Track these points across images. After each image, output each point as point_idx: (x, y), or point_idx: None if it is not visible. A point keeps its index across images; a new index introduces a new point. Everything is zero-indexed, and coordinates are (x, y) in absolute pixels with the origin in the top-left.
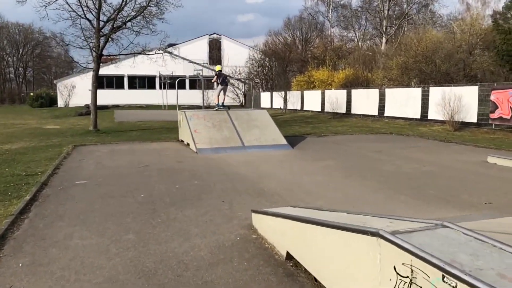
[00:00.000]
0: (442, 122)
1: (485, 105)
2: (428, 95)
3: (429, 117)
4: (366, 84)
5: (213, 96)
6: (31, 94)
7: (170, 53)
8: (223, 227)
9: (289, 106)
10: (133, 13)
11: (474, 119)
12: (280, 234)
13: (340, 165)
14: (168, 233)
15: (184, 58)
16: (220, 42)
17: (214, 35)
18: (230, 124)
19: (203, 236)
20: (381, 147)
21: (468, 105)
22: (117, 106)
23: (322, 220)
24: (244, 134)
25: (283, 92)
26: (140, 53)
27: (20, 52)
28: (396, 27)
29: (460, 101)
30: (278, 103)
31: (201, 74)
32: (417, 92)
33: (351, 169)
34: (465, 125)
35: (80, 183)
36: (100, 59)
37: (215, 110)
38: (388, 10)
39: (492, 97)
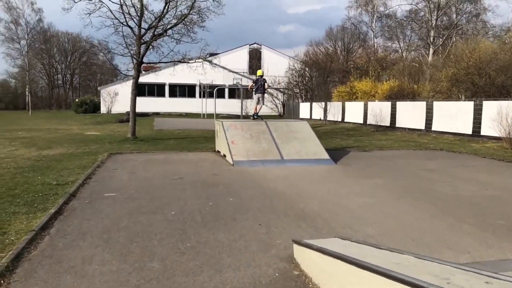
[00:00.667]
0: (497, 139)
1: None
2: (481, 110)
3: (482, 133)
4: (412, 96)
5: (252, 105)
6: (76, 100)
7: (210, 61)
8: (260, 257)
9: (329, 117)
10: (174, 21)
11: None
12: (328, 275)
13: (390, 184)
14: (197, 262)
15: (223, 67)
16: (260, 52)
17: (255, 45)
18: (268, 135)
19: (237, 268)
20: (432, 165)
21: None
22: (157, 114)
23: (387, 271)
24: (283, 147)
25: (323, 103)
26: (180, 61)
27: (68, 60)
28: (444, 38)
29: None
30: (317, 114)
31: (240, 83)
32: (468, 106)
33: (403, 189)
34: None
35: (110, 195)
36: (140, 66)
37: (251, 120)
38: (436, 19)
39: None
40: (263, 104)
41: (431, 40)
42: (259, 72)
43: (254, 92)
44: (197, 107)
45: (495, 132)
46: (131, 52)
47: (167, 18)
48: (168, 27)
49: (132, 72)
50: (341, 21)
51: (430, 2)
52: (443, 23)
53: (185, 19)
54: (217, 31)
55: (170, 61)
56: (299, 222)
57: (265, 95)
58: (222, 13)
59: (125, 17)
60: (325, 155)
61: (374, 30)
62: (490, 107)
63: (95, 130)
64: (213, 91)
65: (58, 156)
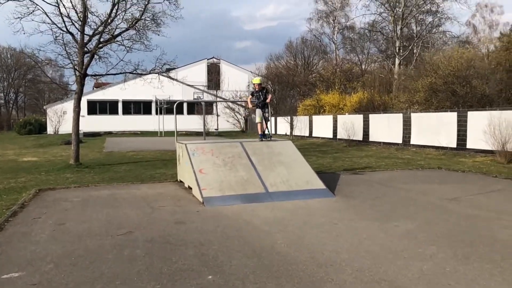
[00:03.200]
0: (486, 152)
1: None
2: (465, 121)
3: (468, 146)
4: (383, 108)
5: (212, 122)
6: (20, 120)
7: (167, 75)
8: None
9: (296, 132)
10: (123, 25)
11: None
12: None
13: (427, 231)
14: None
15: (182, 82)
16: (219, 66)
17: (213, 59)
18: (246, 160)
19: None
20: (451, 192)
21: None
22: (110, 133)
23: None
24: (266, 175)
25: (289, 117)
26: (131, 73)
27: (12, 77)
28: (410, 48)
29: None
30: (283, 129)
31: (201, 97)
32: (451, 117)
33: (451, 239)
34: None
35: (9, 278)
36: (84, 79)
37: (259, 140)
38: (401, 29)
39: None
40: (269, 119)
41: (397, 51)
42: (256, 80)
43: (256, 107)
44: (153, 124)
45: (487, 145)
46: (73, 63)
47: (116, 22)
48: (117, 32)
49: (74, 87)
50: (300, 34)
51: (394, 11)
52: (404, 34)
53: (137, 23)
54: (174, 46)
55: (120, 73)
56: None
57: (227, 110)
58: (180, 17)
59: (64, 21)
60: (320, 184)
61: (335, 42)
62: (477, 118)
63: (34, 155)
64: (171, 107)
65: None
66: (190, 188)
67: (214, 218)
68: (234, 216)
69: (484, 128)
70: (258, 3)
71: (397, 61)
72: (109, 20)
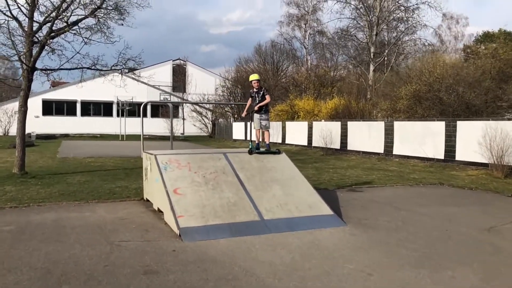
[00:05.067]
0: (477, 165)
1: None
2: (455, 131)
3: (457, 158)
4: (361, 115)
5: (179, 125)
6: None
7: (133, 72)
8: None
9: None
10: (81, 11)
11: None
12: None
13: (490, 282)
14: None
15: (147, 84)
16: (184, 68)
17: (178, 61)
18: (233, 177)
19: None
20: (480, 219)
21: None
22: (66, 136)
23: None
24: (259, 196)
25: None
26: (90, 68)
27: None
28: (385, 54)
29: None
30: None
31: (168, 99)
32: (439, 126)
33: None
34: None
35: None
36: (32, 74)
37: (255, 152)
38: (376, 35)
39: None
40: (269, 127)
41: (372, 57)
42: (254, 76)
43: (249, 112)
44: (114, 127)
45: (481, 157)
46: (19, 54)
47: (72, 7)
48: (73, 20)
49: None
50: (266, 40)
51: (370, 16)
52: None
53: (97, 11)
54: (138, 49)
55: (76, 68)
56: None
57: (194, 114)
58: (148, 6)
59: (8, 5)
60: (326, 209)
61: (307, 46)
62: (467, 128)
63: None
64: (134, 109)
65: None
66: (160, 211)
67: (197, 264)
68: (226, 260)
69: (477, 139)
70: (225, 8)
71: (371, 67)
72: (63, 5)
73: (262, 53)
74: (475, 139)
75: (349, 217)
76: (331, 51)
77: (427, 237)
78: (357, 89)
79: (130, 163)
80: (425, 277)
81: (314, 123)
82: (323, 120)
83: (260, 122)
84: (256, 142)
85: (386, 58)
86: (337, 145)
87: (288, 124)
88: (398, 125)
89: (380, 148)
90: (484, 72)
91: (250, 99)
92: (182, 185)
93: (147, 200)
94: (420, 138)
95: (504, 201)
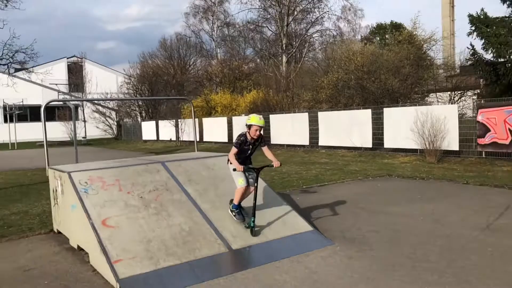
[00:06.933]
0: (407, 151)
1: (465, 127)
2: (381, 118)
3: (385, 146)
4: (280, 108)
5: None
6: None
7: (23, 64)
8: None
9: (184, 137)
10: None
11: (455, 146)
12: None
13: None
14: None
15: (40, 84)
16: (81, 65)
17: (74, 58)
18: (180, 194)
19: None
20: (466, 216)
21: (446, 128)
22: None
23: None
24: (219, 217)
25: (173, 121)
26: None
27: None
28: (297, 45)
29: (443, 124)
30: (167, 134)
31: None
32: (365, 114)
33: None
34: (445, 154)
35: None
36: None
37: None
38: (287, 26)
39: (479, 118)
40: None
41: (284, 48)
42: (259, 122)
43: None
44: (2, 135)
45: (411, 143)
46: None
47: None
48: None
49: None
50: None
51: (281, 7)
52: (289, 31)
53: None
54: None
55: None
56: None
57: (96, 115)
58: None
59: None
60: (304, 225)
61: (215, 39)
62: (395, 115)
63: None
64: (26, 114)
65: None
66: (80, 249)
67: None
68: None
69: (407, 125)
70: (120, 3)
71: (284, 59)
72: None
73: (168, 47)
74: (405, 126)
75: (327, 230)
76: (239, 43)
77: (437, 249)
78: (274, 81)
79: (27, 177)
80: None
81: (234, 118)
82: (243, 115)
83: (250, 178)
84: (237, 202)
85: (297, 49)
86: None
87: (205, 120)
88: (322, 116)
89: (305, 140)
90: (405, 58)
91: (235, 149)
92: (113, 212)
93: (59, 232)
94: (346, 127)
95: (466, 190)
